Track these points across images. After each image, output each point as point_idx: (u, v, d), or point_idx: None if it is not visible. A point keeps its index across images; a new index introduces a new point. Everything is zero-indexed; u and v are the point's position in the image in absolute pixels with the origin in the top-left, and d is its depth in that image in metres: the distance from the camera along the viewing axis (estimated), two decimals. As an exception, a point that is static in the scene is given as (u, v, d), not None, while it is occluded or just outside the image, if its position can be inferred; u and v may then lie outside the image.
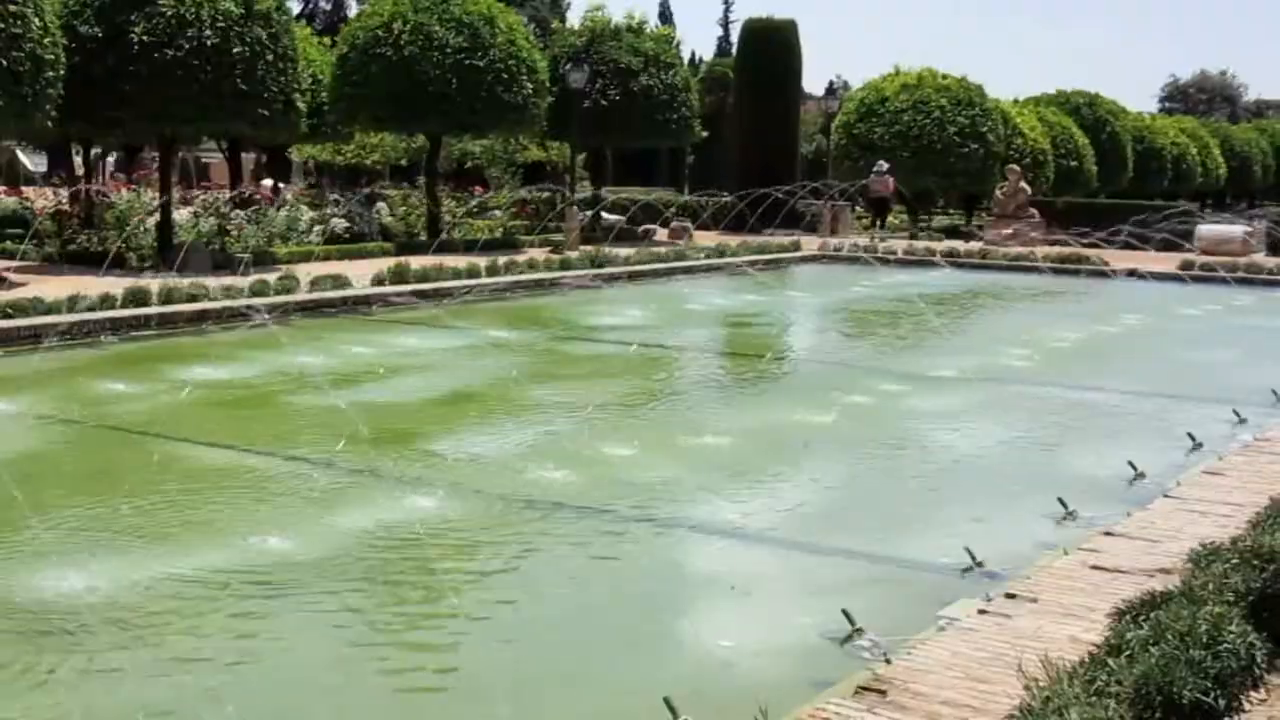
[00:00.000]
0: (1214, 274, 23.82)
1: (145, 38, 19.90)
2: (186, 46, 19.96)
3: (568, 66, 29.70)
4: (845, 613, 5.94)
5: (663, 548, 7.71)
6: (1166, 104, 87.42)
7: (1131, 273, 24.92)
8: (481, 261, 21.27)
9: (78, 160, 32.87)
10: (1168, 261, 25.84)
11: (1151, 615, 4.68)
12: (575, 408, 11.33)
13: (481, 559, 7.36)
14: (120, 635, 6.00)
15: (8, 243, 22.44)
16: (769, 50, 37.40)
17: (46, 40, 17.92)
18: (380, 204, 29.11)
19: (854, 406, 11.80)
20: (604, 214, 32.65)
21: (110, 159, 42.51)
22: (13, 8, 17.11)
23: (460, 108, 25.48)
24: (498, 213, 32.53)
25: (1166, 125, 54.82)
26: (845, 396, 12.04)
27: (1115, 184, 45.86)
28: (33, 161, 50.20)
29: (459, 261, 21.14)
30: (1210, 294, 21.99)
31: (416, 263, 20.51)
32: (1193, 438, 9.97)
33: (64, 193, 27.98)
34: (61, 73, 18.48)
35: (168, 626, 6.14)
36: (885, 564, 7.23)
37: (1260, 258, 27.30)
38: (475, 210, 31.47)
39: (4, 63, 17.04)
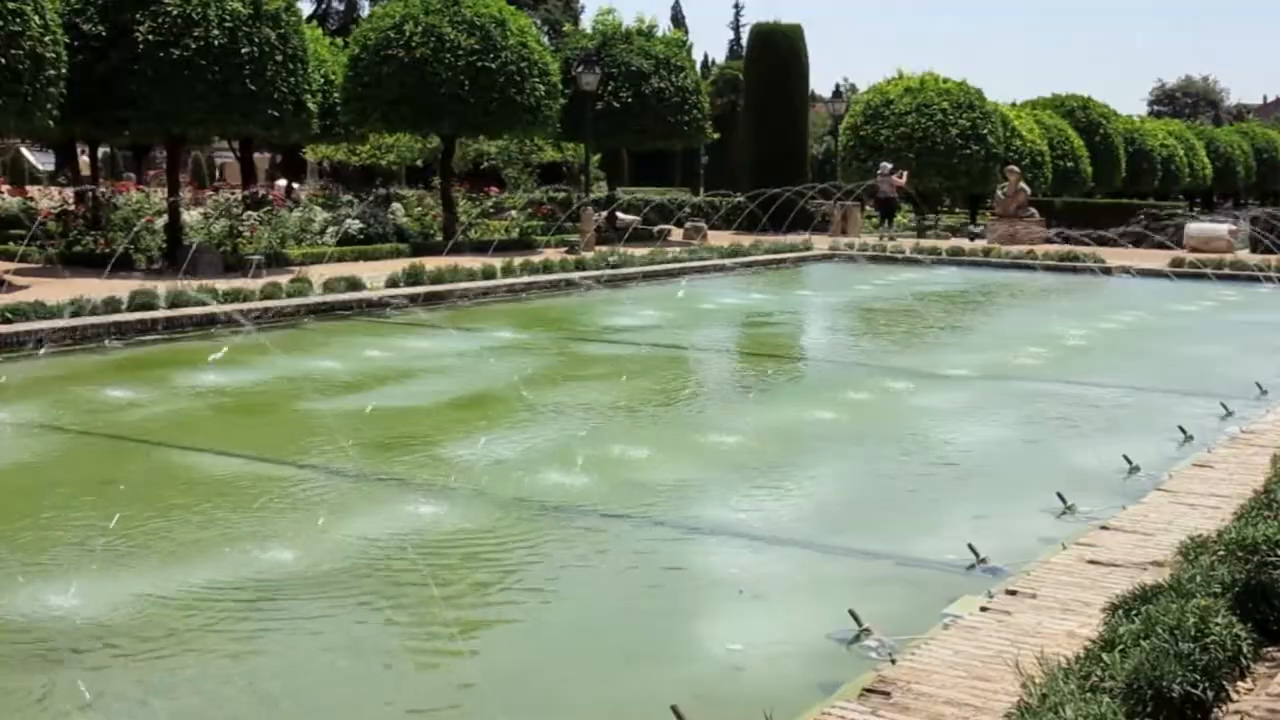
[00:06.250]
0: (1200, 271, 23.82)
1: (150, 37, 18.88)
2: (194, 46, 18.96)
3: (579, 69, 28.72)
4: (852, 613, 5.69)
5: (672, 549, 7.29)
6: (1155, 108, 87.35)
7: (1125, 270, 24.83)
8: (497, 262, 20.39)
9: (84, 160, 31.73)
10: (1158, 259, 25.78)
11: (1143, 609, 4.61)
12: (589, 409, 11.07)
13: (490, 564, 7.00)
14: (121, 654, 5.56)
15: (10, 244, 21.36)
16: (777, 54, 36.83)
17: (47, 38, 16.87)
18: (395, 205, 28.12)
19: (859, 404, 11.58)
20: (619, 214, 31.89)
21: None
22: (12, 5, 16.04)
23: (473, 109, 24.63)
24: (513, 213, 31.69)
25: (1156, 128, 55.15)
26: (850, 394, 11.83)
27: (1110, 184, 46.11)
28: (40, 160, 49.53)
29: (474, 262, 20.25)
30: (1198, 290, 21.98)
31: (431, 264, 19.66)
32: (1183, 431, 9.78)
33: (69, 192, 26.82)
34: (63, 71, 17.45)
35: (171, 643, 5.68)
36: (892, 562, 6.96)
37: (1244, 255, 27.42)
38: (491, 211, 30.61)
39: (3, 61, 15.96)
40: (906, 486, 8.74)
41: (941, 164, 35.07)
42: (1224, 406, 10.81)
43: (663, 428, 10.59)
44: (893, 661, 5.00)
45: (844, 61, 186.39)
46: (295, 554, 6.75)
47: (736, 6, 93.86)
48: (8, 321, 13.37)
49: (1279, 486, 6.26)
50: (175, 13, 18.93)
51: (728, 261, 24.76)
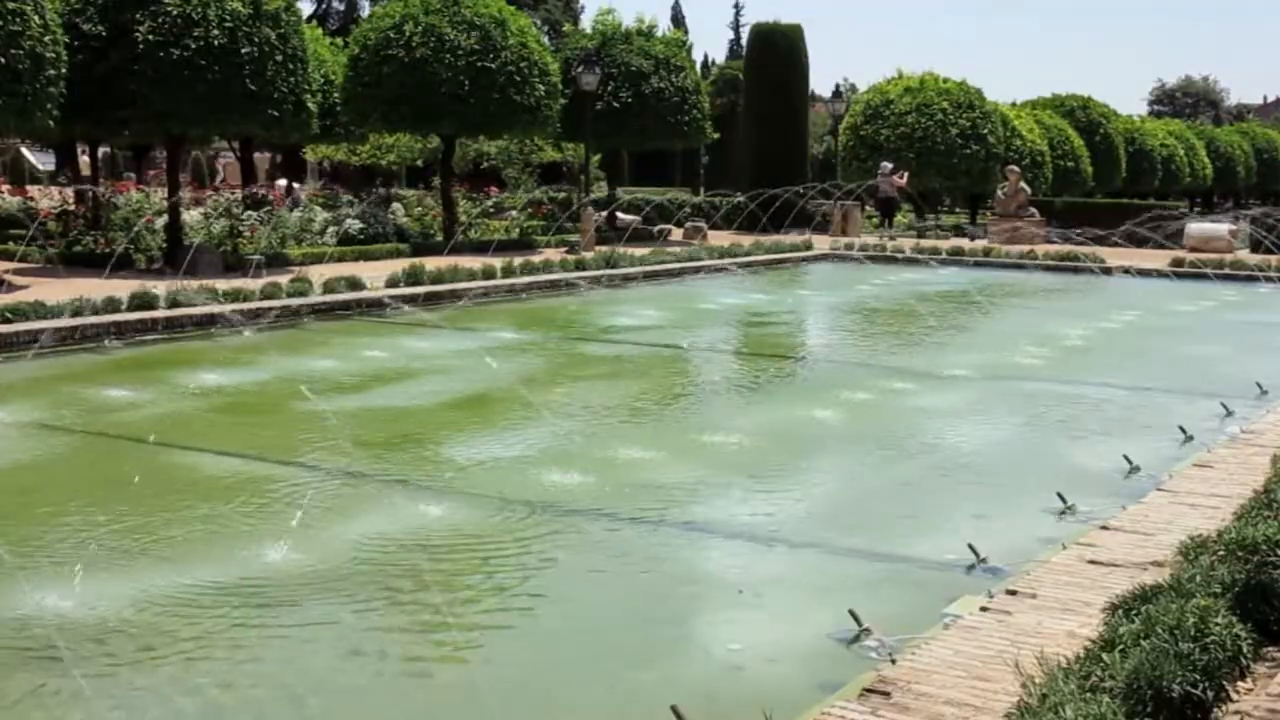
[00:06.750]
0: (1200, 271, 23.85)
1: (150, 37, 18.86)
2: (194, 46, 18.94)
3: (579, 69, 28.70)
4: (852, 613, 5.68)
5: (672, 549, 7.28)
6: (1155, 107, 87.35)
7: (1125, 270, 24.80)
8: (497, 262, 20.36)
9: (84, 160, 31.72)
10: (1159, 259, 25.74)
11: (1143, 609, 4.59)
12: (590, 410, 11.08)
13: (491, 565, 6.97)
14: (122, 655, 5.53)
15: (10, 244, 21.33)
16: (776, 54, 36.74)
17: (47, 38, 16.85)
18: (395, 205, 28.11)
19: (859, 404, 11.53)
20: (619, 214, 31.75)
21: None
22: (11, 5, 16.00)
23: (473, 109, 24.61)
24: (513, 213, 31.64)
25: (1156, 128, 55.09)
26: (850, 394, 11.77)
27: (1110, 184, 46.08)
28: (40, 160, 49.55)
29: (474, 262, 20.21)
30: (1198, 290, 21.96)
31: (431, 264, 19.61)
32: (1183, 431, 9.77)
33: (69, 192, 26.81)
34: (63, 71, 17.43)
35: (171, 645, 5.64)
36: (892, 562, 6.94)
37: (1244, 254, 27.43)
38: (491, 211, 30.57)
39: (3, 61, 15.94)
40: (906, 486, 8.72)
41: (941, 164, 35.09)
42: (1224, 406, 10.80)
43: (663, 428, 10.58)
44: (893, 661, 4.99)
45: (844, 61, 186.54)
46: (295, 555, 6.73)
47: (736, 6, 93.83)
48: (8, 321, 13.34)
49: (1279, 486, 6.26)
50: (175, 13, 18.91)
51: (728, 261, 24.74)
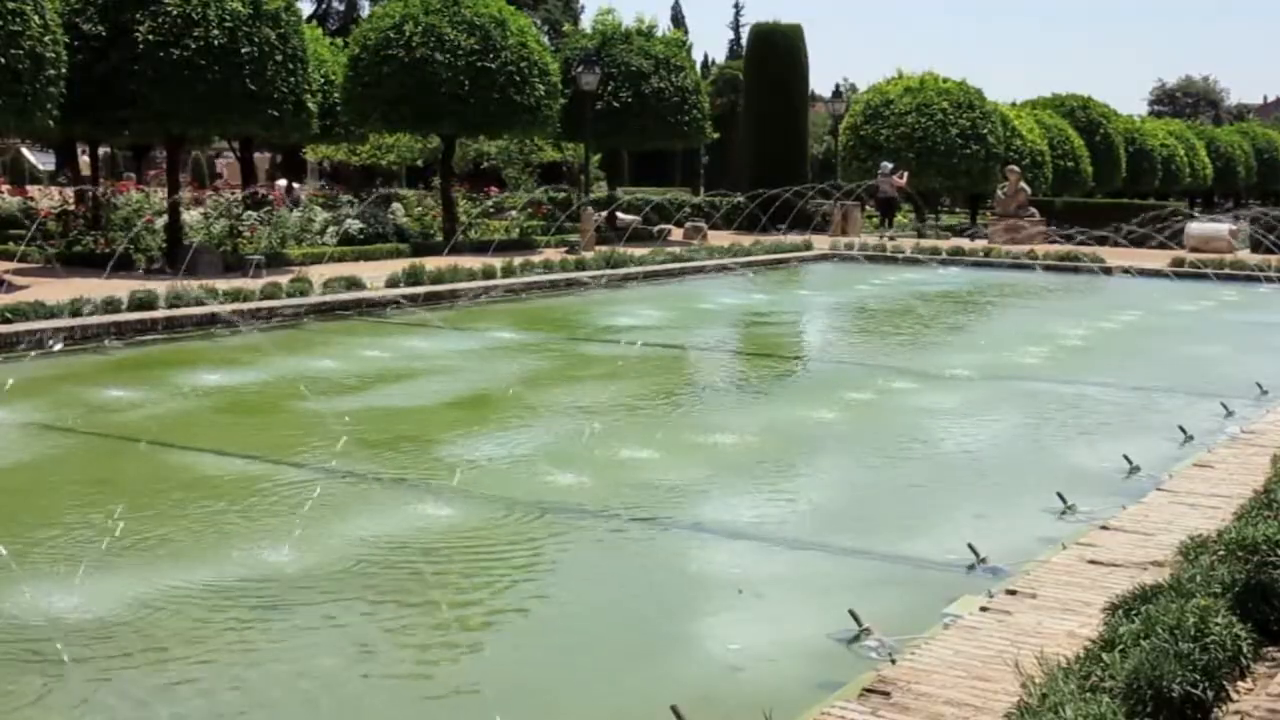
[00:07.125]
0: (1200, 271, 23.88)
1: (150, 37, 18.87)
2: (194, 46, 18.95)
3: (579, 69, 28.68)
4: (852, 613, 5.67)
5: (672, 549, 7.30)
6: (1155, 108, 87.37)
7: (1125, 270, 24.80)
8: (497, 262, 20.35)
9: (84, 160, 31.72)
10: (1159, 259, 25.73)
11: (1143, 609, 4.59)
12: (589, 410, 11.02)
13: (490, 565, 6.97)
14: (121, 655, 5.52)
15: (10, 244, 21.31)
16: (776, 54, 36.80)
17: (47, 38, 16.84)
18: (395, 205, 28.11)
19: (859, 404, 11.52)
20: (619, 214, 31.76)
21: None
22: (11, 4, 15.99)
23: (473, 109, 24.62)
24: (513, 213, 31.62)
25: (1156, 128, 55.08)
26: (850, 394, 11.76)
27: (1110, 184, 46.04)
28: (40, 160, 49.57)
29: (474, 262, 20.20)
30: (1198, 290, 21.97)
31: (431, 264, 19.60)
32: (1183, 431, 9.76)
33: (69, 192, 26.81)
34: (63, 71, 17.43)
35: (170, 645, 5.64)
36: (892, 562, 6.93)
37: (1244, 254, 27.46)
38: (491, 211, 30.57)
39: (3, 61, 15.94)
40: (907, 486, 8.73)
41: (941, 164, 35.08)
42: (1224, 406, 10.80)
43: (663, 428, 10.55)
44: (893, 661, 4.99)
45: (844, 61, 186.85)
46: (295, 555, 6.73)
47: (736, 6, 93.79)
48: (8, 321, 13.34)
49: (1279, 486, 6.26)
50: (175, 13, 18.91)
51: (728, 261, 24.74)
